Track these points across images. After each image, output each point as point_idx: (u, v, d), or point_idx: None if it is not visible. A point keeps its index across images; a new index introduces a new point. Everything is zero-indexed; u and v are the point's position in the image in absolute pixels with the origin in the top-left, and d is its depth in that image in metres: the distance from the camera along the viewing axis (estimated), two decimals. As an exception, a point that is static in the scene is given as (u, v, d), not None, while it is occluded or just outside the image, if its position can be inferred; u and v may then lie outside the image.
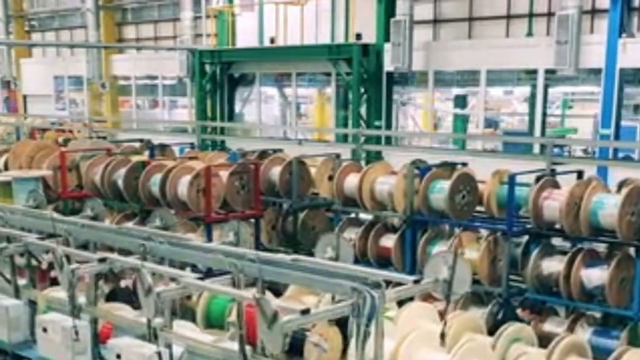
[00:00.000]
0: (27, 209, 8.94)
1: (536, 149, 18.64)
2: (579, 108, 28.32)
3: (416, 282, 5.77)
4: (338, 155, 12.44)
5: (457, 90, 24.44)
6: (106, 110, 30.34)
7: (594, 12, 18.39)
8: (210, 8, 26.06)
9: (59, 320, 7.36)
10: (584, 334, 9.02)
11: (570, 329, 9.14)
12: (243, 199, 11.19)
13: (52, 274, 8.28)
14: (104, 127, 24.99)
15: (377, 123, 21.18)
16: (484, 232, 10.84)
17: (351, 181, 11.31)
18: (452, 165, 10.96)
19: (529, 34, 19.61)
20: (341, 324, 7.09)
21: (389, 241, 10.94)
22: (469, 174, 10.42)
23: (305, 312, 5.07)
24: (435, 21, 21.60)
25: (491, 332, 7.26)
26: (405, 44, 19.98)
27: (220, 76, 24.98)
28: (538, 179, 9.54)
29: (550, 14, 19.17)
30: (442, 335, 6.01)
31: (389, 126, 21.49)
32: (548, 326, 9.43)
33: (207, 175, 10.67)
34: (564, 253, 9.66)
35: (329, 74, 22.85)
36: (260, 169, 11.54)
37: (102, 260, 6.64)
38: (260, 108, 25.33)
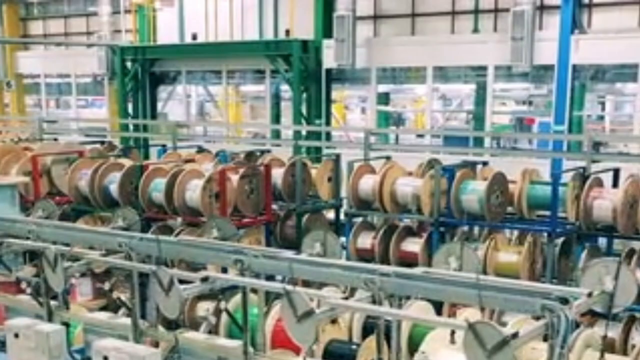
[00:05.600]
0: (62, 223, 7.97)
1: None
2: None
3: (589, 295, 5.26)
4: (338, 157, 11.85)
5: (382, 88, 24.12)
6: (12, 110, 28.51)
7: (543, 8, 18.36)
8: (129, 2, 24.79)
9: (123, 346, 6.56)
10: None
11: (625, 332, 8.86)
12: (252, 203, 10.47)
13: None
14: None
15: (317, 121, 20.59)
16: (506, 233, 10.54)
17: (367, 183, 10.72)
18: (472, 165, 10.57)
19: (475, 30, 19.45)
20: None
21: (413, 245, 10.40)
22: (502, 174, 10.00)
23: (515, 335, 4.52)
24: (376, 17, 21.18)
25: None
26: (349, 40, 19.48)
27: (142, 74, 23.73)
28: (585, 178, 9.21)
29: (497, 10, 19.09)
30: (602, 353, 5.52)
31: (328, 123, 20.97)
32: (599, 330, 9.08)
33: (222, 179, 9.91)
34: (607, 254, 9.39)
35: (261, 72, 22.12)
36: (269, 172, 10.81)
37: (204, 279, 5.83)
38: (187, 106, 24.37)
